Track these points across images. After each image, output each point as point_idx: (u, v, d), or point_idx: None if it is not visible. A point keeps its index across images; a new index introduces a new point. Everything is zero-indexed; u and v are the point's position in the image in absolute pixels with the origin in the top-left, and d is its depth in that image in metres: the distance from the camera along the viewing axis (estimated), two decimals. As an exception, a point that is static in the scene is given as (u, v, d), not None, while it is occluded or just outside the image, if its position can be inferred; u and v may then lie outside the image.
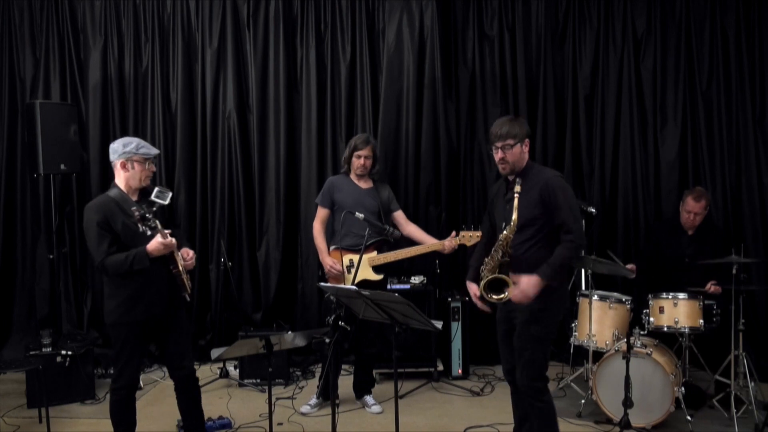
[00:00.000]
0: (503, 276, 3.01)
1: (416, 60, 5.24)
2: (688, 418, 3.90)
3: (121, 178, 3.28)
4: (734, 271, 3.99)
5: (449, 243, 4.11)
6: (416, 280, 4.99)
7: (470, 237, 4.11)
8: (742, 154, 5.14)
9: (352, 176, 4.25)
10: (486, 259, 3.10)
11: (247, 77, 5.37)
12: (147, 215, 2.96)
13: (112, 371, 3.72)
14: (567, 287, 3.19)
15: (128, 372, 3.27)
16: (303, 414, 4.27)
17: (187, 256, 3.38)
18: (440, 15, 5.23)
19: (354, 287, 2.91)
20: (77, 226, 5.41)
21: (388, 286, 4.85)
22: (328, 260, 4.16)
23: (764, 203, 5.10)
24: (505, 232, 3.02)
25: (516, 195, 3.01)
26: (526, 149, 3.14)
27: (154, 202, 3.15)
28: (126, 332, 3.24)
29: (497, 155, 3.14)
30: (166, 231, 3.09)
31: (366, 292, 2.88)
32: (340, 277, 4.14)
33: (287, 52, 5.32)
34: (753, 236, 5.07)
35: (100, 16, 5.38)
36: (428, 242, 4.19)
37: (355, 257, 4.07)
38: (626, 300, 4.22)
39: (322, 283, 3.32)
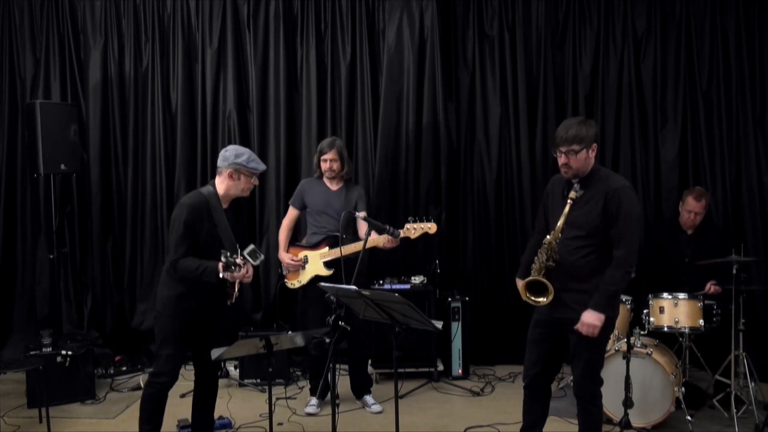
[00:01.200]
0: (545, 281, 2.95)
1: (416, 60, 5.24)
2: (688, 418, 3.90)
3: (223, 185, 3.30)
4: (734, 271, 3.99)
5: (384, 239, 4.02)
6: (416, 280, 4.99)
7: (414, 229, 4.06)
8: (742, 154, 5.14)
9: (324, 179, 4.35)
10: (534, 258, 3.04)
11: (247, 77, 5.37)
12: (233, 266, 2.97)
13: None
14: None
15: (169, 367, 3.29)
16: (310, 414, 4.27)
17: (246, 272, 3.26)
18: (440, 15, 5.23)
19: (354, 287, 2.91)
20: (77, 226, 5.41)
21: (388, 286, 4.87)
22: (285, 255, 4.32)
23: (764, 203, 5.10)
24: (548, 237, 2.97)
25: (569, 202, 2.92)
26: (592, 154, 2.99)
27: (246, 259, 3.12)
28: (171, 325, 3.27)
29: (561, 160, 3.00)
30: (240, 261, 3.07)
31: (366, 292, 2.88)
32: (298, 272, 4.29)
33: (287, 52, 5.32)
34: (753, 236, 5.07)
35: (100, 16, 5.38)
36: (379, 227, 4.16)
37: (309, 252, 4.28)
38: (626, 300, 4.22)
39: (323, 284, 3.31)
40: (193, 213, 3.18)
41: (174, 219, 3.24)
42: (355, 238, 4.29)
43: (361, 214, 3.96)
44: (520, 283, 3.10)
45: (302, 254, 4.30)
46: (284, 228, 4.44)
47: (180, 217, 3.18)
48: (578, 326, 2.95)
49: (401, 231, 4.01)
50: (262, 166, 3.33)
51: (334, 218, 4.24)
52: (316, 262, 4.24)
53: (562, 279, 3.00)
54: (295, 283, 4.31)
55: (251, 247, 3.19)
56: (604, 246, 2.98)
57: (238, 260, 3.03)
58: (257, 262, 3.18)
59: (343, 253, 3.82)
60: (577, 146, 2.93)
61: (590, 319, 2.93)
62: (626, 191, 2.95)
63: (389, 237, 3.95)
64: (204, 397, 3.55)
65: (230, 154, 3.27)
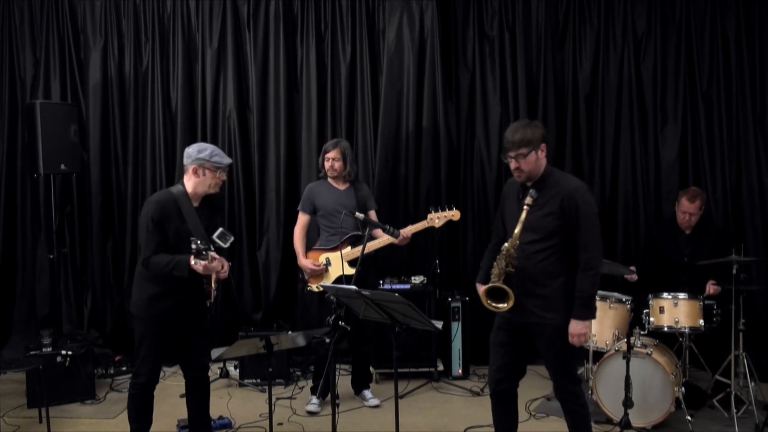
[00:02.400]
0: (505, 287, 2.91)
1: (416, 60, 5.24)
2: (688, 418, 3.90)
3: (190, 182, 3.31)
4: (734, 271, 3.99)
5: (402, 234, 4.10)
6: (416, 280, 4.99)
7: (438, 218, 4.18)
8: (742, 154, 5.14)
9: (330, 180, 4.36)
10: (494, 263, 3.00)
11: (247, 77, 5.37)
12: (203, 252, 2.98)
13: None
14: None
15: (147, 367, 3.32)
16: (311, 412, 4.28)
17: (221, 267, 3.33)
18: (440, 15, 5.23)
19: (354, 287, 2.91)
20: (77, 226, 5.41)
21: (388, 286, 4.87)
22: (306, 262, 4.28)
23: (764, 203, 5.10)
24: (506, 244, 2.94)
25: (526, 208, 2.89)
26: (542, 155, 2.97)
27: (213, 242, 3.16)
28: (146, 326, 3.30)
29: (512, 165, 2.97)
30: (214, 255, 3.11)
31: (366, 292, 2.88)
32: (322, 276, 4.27)
33: (287, 52, 5.32)
34: (753, 236, 5.07)
35: (100, 16, 5.38)
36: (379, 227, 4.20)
37: (330, 254, 4.26)
38: (626, 300, 4.22)
39: (323, 284, 3.33)
40: (159, 210, 3.19)
41: (141, 217, 3.27)
42: (374, 236, 4.28)
43: (361, 215, 3.96)
44: (480, 289, 3.09)
45: (323, 257, 4.28)
46: (298, 236, 4.38)
47: (147, 215, 3.21)
48: (570, 339, 2.94)
49: (425, 221, 4.17)
50: (226, 160, 3.33)
51: (347, 217, 4.19)
52: (338, 263, 4.20)
53: (521, 284, 2.96)
54: (319, 287, 4.21)
55: (220, 230, 3.22)
56: (561, 248, 2.96)
57: (214, 237, 3.09)
58: (227, 244, 3.20)
59: (366, 251, 3.83)
60: (525, 149, 2.91)
61: (577, 329, 2.93)
62: (581, 192, 2.94)
63: (400, 237, 4.05)
64: (196, 398, 3.54)
65: (193, 150, 3.30)
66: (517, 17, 5.25)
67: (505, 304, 2.93)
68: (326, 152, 4.32)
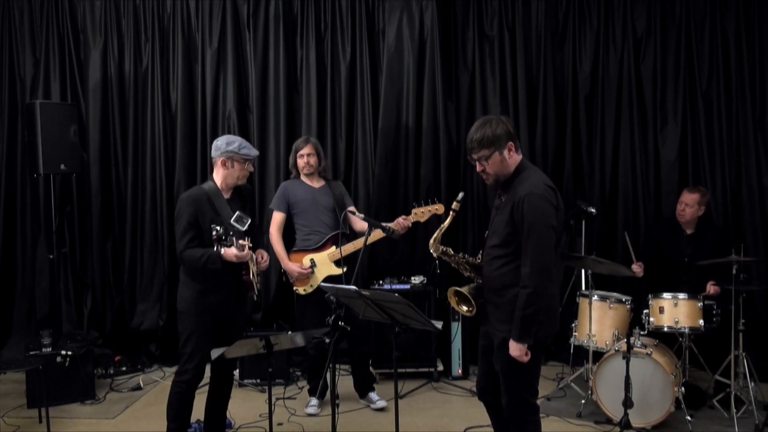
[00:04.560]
0: (465, 293, 2.82)
1: (416, 60, 5.23)
2: (688, 418, 3.90)
3: (219, 175, 3.38)
4: (734, 271, 3.99)
5: (401, 223, 4.08)
6: (416, 280, 4.99)
7: (422, 213, 4.18)
8: (742, 154, 5.14)
9: (303, 178, 4.34)
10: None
11: (247, 77, 5.37)
12: (223, 237, 3.02)
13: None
14: (555, 308, 2.84)
15: (194, 364, 3.32)
16: (311, 414, 4.27)
17: (261, 258, 3.45)
18: (440, 15, 5.23)
19: (354, 287, 2.91)
20: (77, 226, 5.41)
21: (388, 286, 4.86)
22: (292, 266, 4.22)
23: (764, 203, 5.10)
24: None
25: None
26: (510, 153, 2.71)
27: (233, 226, 3.20)
28: (195, 323, 3.31)
29: (477, 168, 2.77)
30: (243, 243, 3.14)
31: (366, 293, 2.88)
32: (308, 278, 4.22)
33: (287, 52, 5.32)
34: (753, 236, 5.07)
35: (100, 16, 5.38)
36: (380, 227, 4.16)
37: (315, 255, 4.23)
38: (626, 300, 4.22)
39: (323, 284, 3.32)
40: (192, 204, 3.26)
41: (177, 213, 3.33)
42: (355, 234, 4.29)
43: (361, 215, 3.95)
44: (450, 289, 2.95)
45: (307, 259, 4.26)
46: (276, 237, 4.31)
47: (181, 211, 3.28)
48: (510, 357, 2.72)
49: (410, 217, 4.14)
50: (254, 152, 3.40)
51: (324, 215, 4.23)
52: (325, 263, 4.21)
53: (486, 291, 2.84)
54: (307, 288, 4.23)
55: (236, 213, 3.26)
56: (518, 258, 2.69)
57: (231, 221, 3.15)
58: (245, 227, 3.22)
59: (352, 249, 3.81)
60: (486, 151, 2.68)
61: (512, 350, 2.68)
62: (531, 199, 2.61)
63: (397, 225, 4.03)
64: (219, 396, 3.57)
65: (221, 143, 3.35)
66: (517, 17, 5.25)
67: (465, 308, 2.88)
68: (299, 150, 4.31)
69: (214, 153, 3.38)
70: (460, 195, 2.95)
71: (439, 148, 5.25)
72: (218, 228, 3.02)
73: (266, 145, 5.34)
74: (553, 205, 2.68)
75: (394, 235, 4.01)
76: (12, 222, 5.46)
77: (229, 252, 3.12)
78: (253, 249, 3.41)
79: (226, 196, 3.38)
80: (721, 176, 5.15)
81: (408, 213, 5.27)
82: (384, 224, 4.00)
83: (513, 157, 2.74)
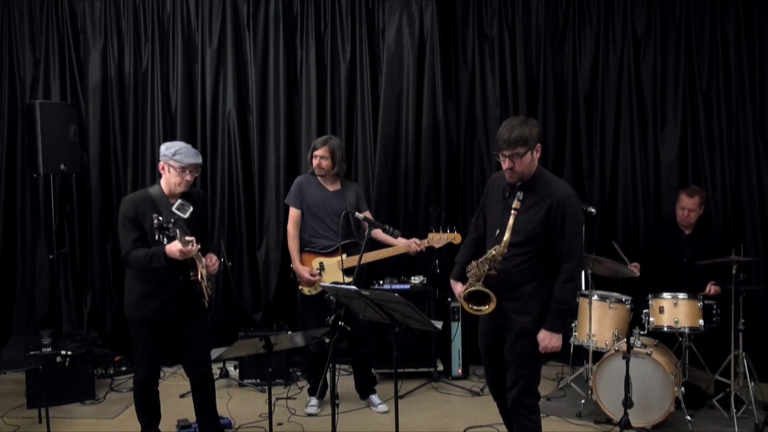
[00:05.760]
0: (487, 291, 2.82)
1: (416, 60, 5.23)
2: (688, 418, 3.90)
3: (163, 179, 3.35)
4: (734, 271, 3.99)
5: (415, 246, 4.15)
6: (416, 280, 4.99)
7: (439, 239, 4.20)
8: (742, 154, 5.15)
9: (319, 178, 4.28)
10: (473, 263, 2.87)
11: (247, 77, 5.37)
12: (165, 225, 2.99)
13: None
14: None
15: (144, 366, 3.40)
16: (311, 414, 4.26)
17: (209, 262, 3.43)
18: (440, 15, 5.23)
19: (354, 287, 2.91)
20: (77, 226, 5.41)
21: (388, 287, 4.87)
22: (302, 269, 4.17)
23: (764, 203, 5.10)
24: (493, 251, 2.80)
25: (513, 212, 2.77)
26: (537, 156, 2.82)
27: (174, 214, 3.18)
28: (139, 327, 3.37)
29: (504, 164, 2.81)
30: (189, 239, 3.10)
31: (366, 292, 2.88)
32: (315, 281, 4.18)
33: (287, 52, 5.32)
34: (753, 236, 5.07)
35: (100, 16, 5.37)
36: (396, 245, 4.19)
37: (325, 259, 4.18)
38: (626, 300, 4.22)
39: (323, 284, 3.32)
40: (134, 207, 3.26)
41: (119, 217, 3.33)
42: (371, 244, 4.22)
43: (361, 215, 3.94)
44: (458, 290, 3.02)
45: (317, 262, 4.22)
46: (293, 235, 4.24)
47: (123, 214, 3.28)
48: (540, 347, 2.83)
49: (424, 241, 4.16)
50: (188, 160, 3.27)
51: (333, 221, 4.16)
52: (334, 270, 4.15)
53: (498, 286, 2.84)
54: (312, 290, 4.20)
55: (178, 201, 3.23)
56: (540, 254, 2.85)
57: (173, 209, 3.13)
58: (187, 215, 3.20)
59: (363, 261, 3.77)
60: (521, 149, 2.76)
61: (551, 341, 2.82)
62: (571, 201, 2.80)
63: (415, 244, 4.10)
64: (201, 397, 3.57)
65: (163, 147, 3.34)
66: (517, 17, 5.25)
67: (487, 307, 2.85)
68: (315, 149, 4.21)
69: (160, 156, 3.35)
70: (520, 194, 2.85)
71: (439, 148, 5.26)
72: (159, 217, 2.99)
73: (266, 145, 5.34)
74: None
75: (394, 234, 4.01)
76: (12, 222, 5.45)
77: (173, 247, 3.07)
78: (203, 252, 3.38)
79: (173, 201, 3.32)
80: (721, 176, 5.15)
81: (408, 213, 5.30)
82: (385, 225, 4.01)
83: (537, 160, 2.86)
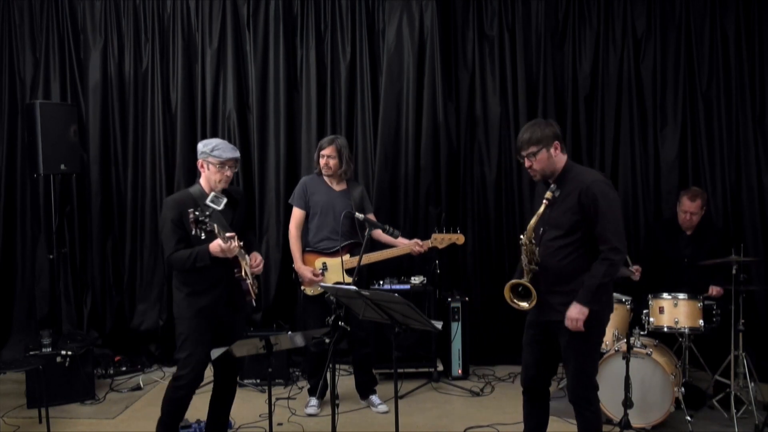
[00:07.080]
0: (529, 285, 2.93)
1: (416, 60, 5.23)
2: (688, 418, 3.90)
3: (202, 177, 3.33)
4: (734, 271, 3.99)
5: (418, 247, 4.15)
6: (416, 280, 4.99)
7: (442, 239, 4.20)
8: (742, 154, 5.14)
9: (324, 178, 4.27)
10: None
11: (247, 77, 5.37)
12: (201, 218, 2.93)
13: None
14: (611, 291, 3.07)
15: (188, 369, 3.26)
16: (311, 415, 4.26)
17: (254, 261, 3.40)
18: (440, 15, 5.23)
19: (354, 287, 2.91)
20: (77, 226, 5.41)
21: (388, 287, 4.86)
22: (305, 270, 4.16)
23: (764, 203, 5.10)
24: (522, 237, 2.97)
25: (545, 202, 2.91)
26: (556, 152, 2.97)
27: (208, 206, 3.11)
28: (186, 327, 3.28)
29: (525, 164, 3.03)
30: (229, 235, 3.07)
31: (366, 292, 2.88)
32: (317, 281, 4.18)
33: (287, 52, 5.32)
34: (753, 236, 5.07)
35: (100, 16, 5.38)
36: (399, 245, 4.19)
37: (328, 259, 4.18)
38: (626, 300, 4.22)
39: (323, 284, 3.32)
40: (176, 208, 3.21)
41: (161, 219, 3.30)
42: (373, 244, 4.22)
43: (360, 216, 3.94)
44: (508, 285, 3.09)
45: (319, 262, 4.21)
46: (295, 235, 4.24)
47: (166, 216, 3.24)
48: (566, 322, 2.94)
49: (427, 242, 4.15)
50: (226, 154, 3.25)
51: (337, 221, 4.12)
52: (337, 270, 4.14)
53: (546, 282, 2.98)
54: (314, 291, 4.19)
55: (212, 194, 3.16)
56: (584, 244, 2.95)
57: (207, 202, 3.03)
58: (221, 206, 3.12)
59: (366, 261, 3.77)
60: (534, 148, 2.96)
61: (572, 312, 2.91)
62: (599, 185, 2.91)
63: (417, 245, 4.09)
64: (222, 397, 3.56)
65: (200, 145, 3.32)
66: (517, 17, 5.25)
67: (526, 304, 2.95)
68: (321, 149, 4.21)
69: (198, 155, 3.33)
70: (553, 186, 2.98)
71: (439, 148, 5.26)
72: (195, 211, 2.93)
73: (266, 145, 5.34)
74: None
75: (394, 234, 4.01)
76: (12, 222, 5.45)
77: (215, 244, 3.07)
78: (247, 251, 3.38)
79: None
80: (721, 176, 5.15)
81: (408, 213, 5.30)
82: (385, 225, 4.01)
83: (559, 156, 3.00)
